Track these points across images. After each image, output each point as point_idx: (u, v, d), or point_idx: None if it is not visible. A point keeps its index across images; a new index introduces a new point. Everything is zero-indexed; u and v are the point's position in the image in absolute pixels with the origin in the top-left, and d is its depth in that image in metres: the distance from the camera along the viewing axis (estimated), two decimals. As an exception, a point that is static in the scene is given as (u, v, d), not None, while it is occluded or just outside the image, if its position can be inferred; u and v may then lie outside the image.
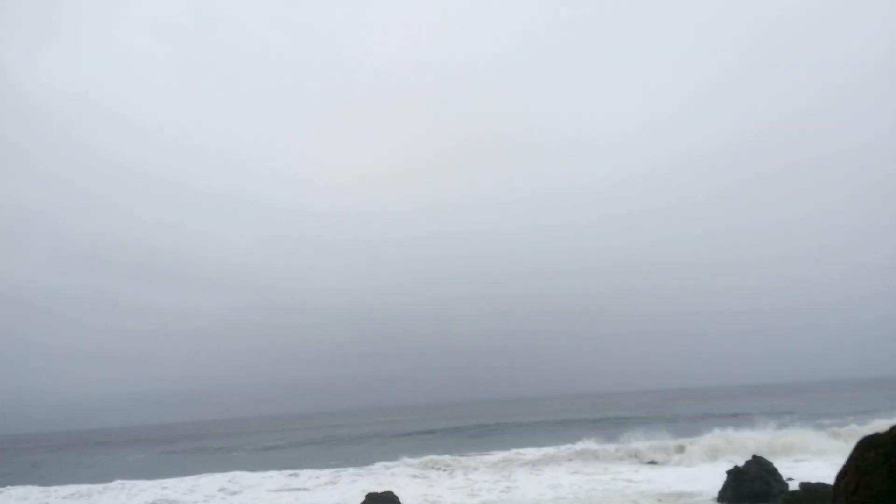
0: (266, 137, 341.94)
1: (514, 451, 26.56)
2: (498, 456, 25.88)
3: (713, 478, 17.86)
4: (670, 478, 20.10)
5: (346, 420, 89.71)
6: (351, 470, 25.04)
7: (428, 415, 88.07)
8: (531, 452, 26.06)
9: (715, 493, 16.57)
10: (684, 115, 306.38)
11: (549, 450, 26.36)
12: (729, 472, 16.64)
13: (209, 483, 23.50)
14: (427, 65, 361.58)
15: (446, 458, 25.84)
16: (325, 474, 24.47)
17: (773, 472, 16.67)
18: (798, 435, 25.98)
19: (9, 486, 26.19)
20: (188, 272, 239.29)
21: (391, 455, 27.37)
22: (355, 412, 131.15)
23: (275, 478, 24.04)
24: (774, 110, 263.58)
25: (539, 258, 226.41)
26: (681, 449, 25.71)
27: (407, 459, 26.07)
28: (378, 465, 25.30)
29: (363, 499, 16.59)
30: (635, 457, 25.43)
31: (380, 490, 17.40)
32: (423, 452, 27.43)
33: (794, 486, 15.17)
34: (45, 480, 28.15)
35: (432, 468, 24.83)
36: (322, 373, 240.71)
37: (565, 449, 26.43)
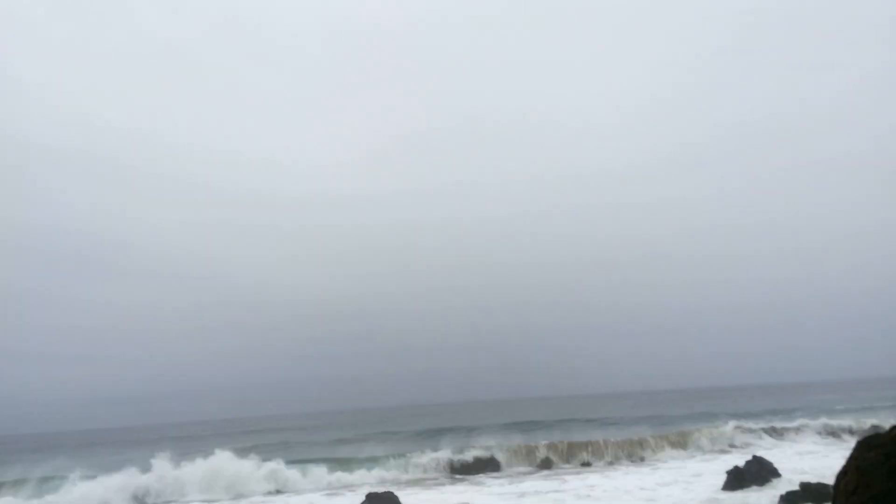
0: (214, 115, 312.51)
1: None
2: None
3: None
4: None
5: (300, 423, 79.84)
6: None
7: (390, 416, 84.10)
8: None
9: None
10: (677, 101, 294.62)
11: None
12: (729, 472, 16.68)
13: None
14: (400, 35, 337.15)
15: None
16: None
17: (773, 472, 16.70)
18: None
19: None
20: (135, 264, 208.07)
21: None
22: (329, 413, 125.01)
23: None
24: (771, 103, 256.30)
25: (521, 247, 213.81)
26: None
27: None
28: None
29: (363, 499, 16.61)
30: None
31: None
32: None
33: (794, 485, 15.17)
34: None
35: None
36: (292, 373, 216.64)
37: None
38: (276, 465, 23.14)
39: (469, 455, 25.32)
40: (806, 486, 13.81)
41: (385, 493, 16.92)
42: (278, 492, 21.95)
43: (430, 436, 35.88)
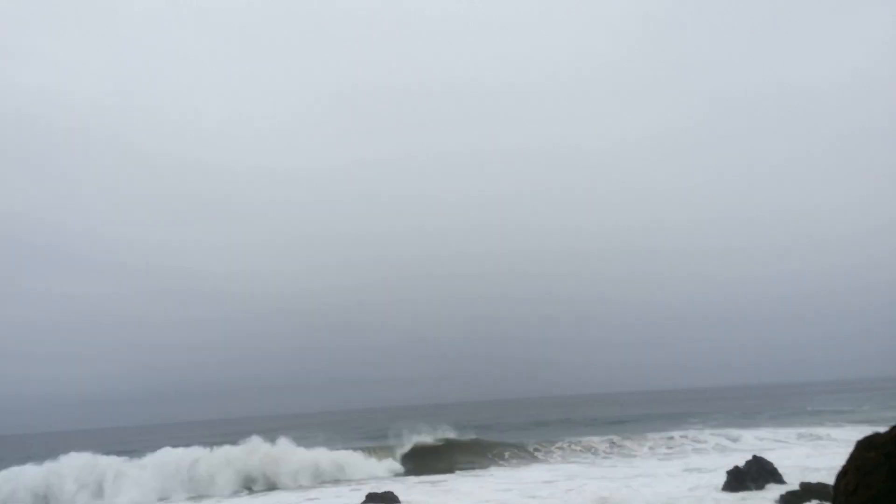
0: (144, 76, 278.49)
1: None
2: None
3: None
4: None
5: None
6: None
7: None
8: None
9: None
10: (666, 77, 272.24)
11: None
12: (729, 472, 16.68)
13: None
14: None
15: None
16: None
17: (773, 472, 16.71)
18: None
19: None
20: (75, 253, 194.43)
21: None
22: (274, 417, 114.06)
23: None
24: (773, 82, 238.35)
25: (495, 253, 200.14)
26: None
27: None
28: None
29: (363, 499, 16.63)
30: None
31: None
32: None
33: (794, 486, 15.18)
34: None
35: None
36: (252, 373, 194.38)
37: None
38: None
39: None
40: (806, 487, 13.82)
41: (385, 492, 16.95)
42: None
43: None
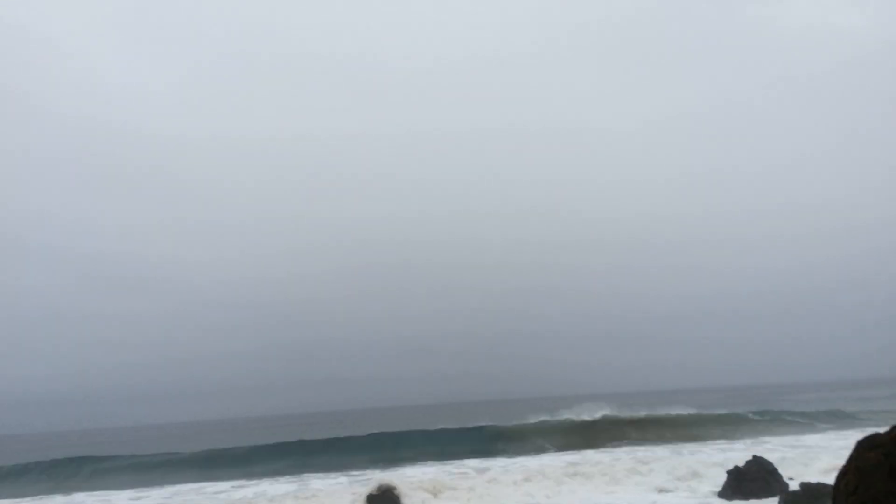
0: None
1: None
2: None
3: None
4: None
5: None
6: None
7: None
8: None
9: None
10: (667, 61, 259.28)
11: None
12: (729, 472, 16.71)
13: None
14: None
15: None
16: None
17: (773, 472, 16.71)
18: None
19: None
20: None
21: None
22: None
23: None
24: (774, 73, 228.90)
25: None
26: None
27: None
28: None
29: (363, 499, 16.63)
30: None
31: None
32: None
33: (794, 486, 15.19)
34: None
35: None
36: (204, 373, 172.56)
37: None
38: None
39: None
40: (806, 486, 13.83)
41: (385, 492, 16.94)
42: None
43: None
